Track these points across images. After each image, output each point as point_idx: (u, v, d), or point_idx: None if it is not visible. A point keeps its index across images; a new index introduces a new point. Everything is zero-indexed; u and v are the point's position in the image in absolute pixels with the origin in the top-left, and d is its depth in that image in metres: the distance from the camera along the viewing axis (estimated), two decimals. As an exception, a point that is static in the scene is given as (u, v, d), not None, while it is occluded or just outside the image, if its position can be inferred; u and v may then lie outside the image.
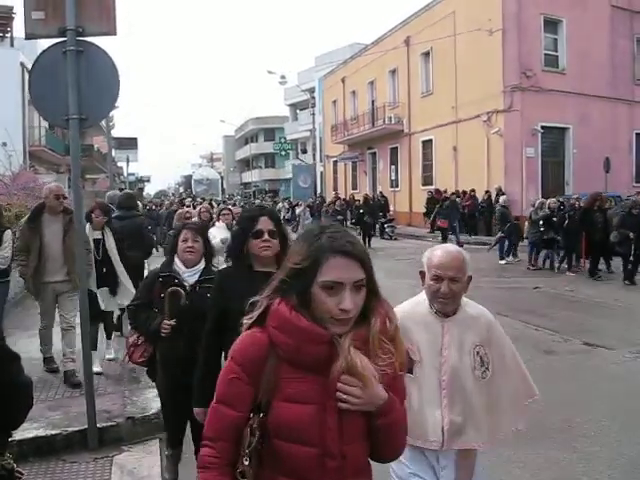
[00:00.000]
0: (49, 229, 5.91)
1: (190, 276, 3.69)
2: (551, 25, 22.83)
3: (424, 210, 25.22)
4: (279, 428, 1.60)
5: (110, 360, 6.51)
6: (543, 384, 3.01)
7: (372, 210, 23.15)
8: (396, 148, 30.91)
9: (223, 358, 2.92)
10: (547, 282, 12.63)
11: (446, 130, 25.68)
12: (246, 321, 1.73)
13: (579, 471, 4.24)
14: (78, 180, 4.83)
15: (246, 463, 1.61)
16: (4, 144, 19.49)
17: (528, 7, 21.87)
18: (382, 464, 1.86)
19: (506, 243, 15.99)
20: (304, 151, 50.09)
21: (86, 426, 4.59)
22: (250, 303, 1.75)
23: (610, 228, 12.91)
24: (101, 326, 6.66)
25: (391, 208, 28.03)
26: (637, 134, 24.55)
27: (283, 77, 41.62)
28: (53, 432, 4.61)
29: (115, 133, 35.72)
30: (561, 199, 16.69)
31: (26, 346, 6.11)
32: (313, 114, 42.97)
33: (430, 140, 27.57)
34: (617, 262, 13.17)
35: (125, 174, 41.39)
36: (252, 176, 64.01)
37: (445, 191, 23.30)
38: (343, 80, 37.09)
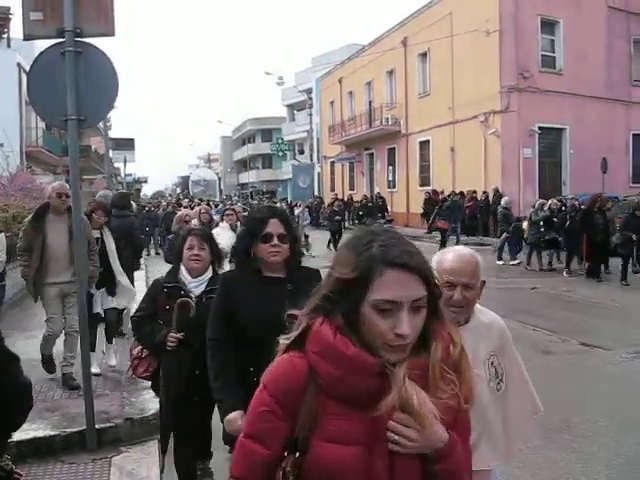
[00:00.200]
0: (53, 229, 5.77)
1: (196, 286, 3.52)
2: (548, 26, 22.88)
3: (421, 211, 25.28)
4: (317, 472, 1.36)
5: (111, 367, 6.37)
6: (541, 384, 3.01)
7: (371, 211, 23.18)
8: (393, 149, 30.93)
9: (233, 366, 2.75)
10: (544, 283, 12.66)
11: (443, 131, 25.70)
12: (282, 341, 1.50)
13: (578, 471, 4.25)
14: (77, 181, 4.83)
15: None
16: (1, 145, 19.48)
17: (525, 8, 21.91)
18: None
19: (506, 245, 16.00)
20: (301, 152, 50.08)
21: (84, 427, 4.58)
22: (288, 315, 1.59)
23: (611, 229, 12.94)
24: (101, 328, 6.61)
25: (388, 209, 28.07)
26: (634, 135, 24.58)
27: (281, 78, 41.73)
28: (52, 433, 4.60)
29: (113, 133, 35.76)
30: (562, 200, 16.70)
31: (24, 347, 6.09)
32: (310, 115, 42.98)
33: (427, 141, 27.59)
34: (615, 262, 13.17)
35: (122, 175, 41.41)
36: (249, 177, 63.99)
37: (442, 192, 23.32)
38: (340, 81, 37.08)
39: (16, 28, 28.86)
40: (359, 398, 1.35)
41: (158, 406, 4.04)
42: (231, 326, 2.72)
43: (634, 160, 24.66)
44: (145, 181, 65.08)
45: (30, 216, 5.99)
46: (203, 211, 9.59)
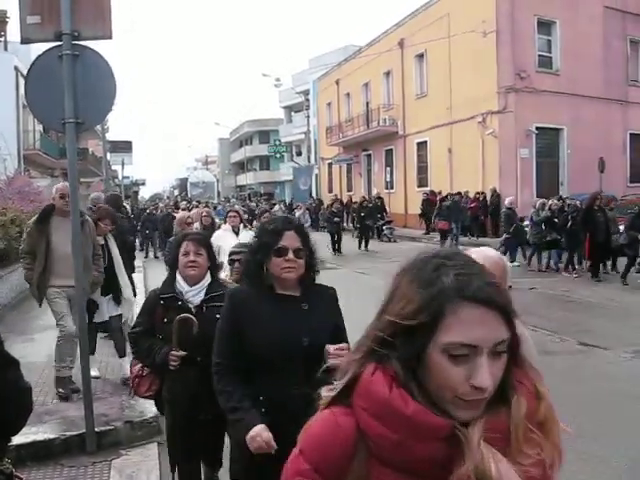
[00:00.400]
0: (58, 231, 5.62)
1: (194, 295, 3.28)
2: (545, 26, 22.94)
3: (419, 212, 25.31)
4: None
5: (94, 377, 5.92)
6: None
7: (370, 212, 23.19)
8: (391, 150, 30.96)
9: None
10: (544, 283, 12.67)
11: (441, 132, 25.72)
12: (325, 394, 1.23)
13: (577, 471, 4.25)
14: (75, 184, 4.82)
15: None
16: (-2, 148, 19.43)
17: (522, 9, 21.96)
18: None
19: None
20: (299, 153, 50.11)
21: (84, 430, 4.57)
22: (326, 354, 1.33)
23: (612, 228, 12.94)
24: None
25: (387, 210, 28.09)
26: (631, 134, 24.66)
27: (278, 79, 41.87)
28: (51, 436, 4.60)
29: (113, 130, 35.81)
30: (562, 198, 16.66)
31: (21, 350, 6.08)
32: (308, 116, 43.02)
33: (425, 142, 27.63)
34: (622, 261, 13.07)
35: (120, 177, 41.39)
36: (247, 179, 64.00)
37: (440, 192, 23.33)
38: (337, 82, 37.12)
39: (13, 31, 28.95)
40: (422, 468, 1.08)
41: (155, 408, 4.00)
42: (239, 348, 2.46)
43: (631, 160, 24.74)
44: (143, 184, 65.07)
45: (35, 218, 5.87)
46: (205, 214, 9.38)
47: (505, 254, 15.81)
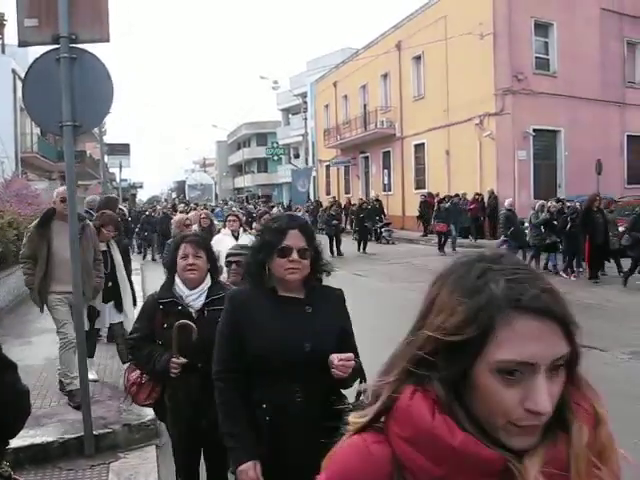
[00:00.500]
0: (59, 236, 5.49)
1: (195, 299, 3.17)
2: (542, 28, 22.98)
3: (417, 214, 25.33)
4: None
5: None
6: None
7: (369, 214, 23.20)
8: (388, 152, 30.98)
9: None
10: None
11: (438, 134, 25.75)
12: (354, 420, 1.05)
13: (575, 472, 4.25)
14: (73, 187, 4.82)
15: None
16: (-4, 151, 19.45)
17: (519, 11, 21.99)
18: None
19: (504, 247, 15.88)
20: (297, 156, 50.15)
21: (82, 433, 4.57)
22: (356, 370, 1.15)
23: (611, 230, 12.93)
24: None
25: (385, 212, 28.10)
26: (628, 136, 24.68)
27: (276, 82, 41.82)
28: (49, 439, 4.59)
29: (111, 132, 35.78)
30: (560, 199, 16.64)
31: (19, 353, 6.09)
32: (305, 119, 43.04)
33: (422, 144, 27.65)
34: (625, 263, 13.07)
35: (118, 180, 41.36)
36: (245, 181, 64.02)
37: (437, 194, 23.35)
38: (335, 84, 37.16)
39: (11, 34, 28.90)
40: None
41: (153, 413, 3.94)
42: (240, 351, 2.36)
43: (629, 161, 24.76)
44: (140, 186, 65.09)
45: (36, 222, 5.79)
46: (204, 216, 9.42)
47: None
